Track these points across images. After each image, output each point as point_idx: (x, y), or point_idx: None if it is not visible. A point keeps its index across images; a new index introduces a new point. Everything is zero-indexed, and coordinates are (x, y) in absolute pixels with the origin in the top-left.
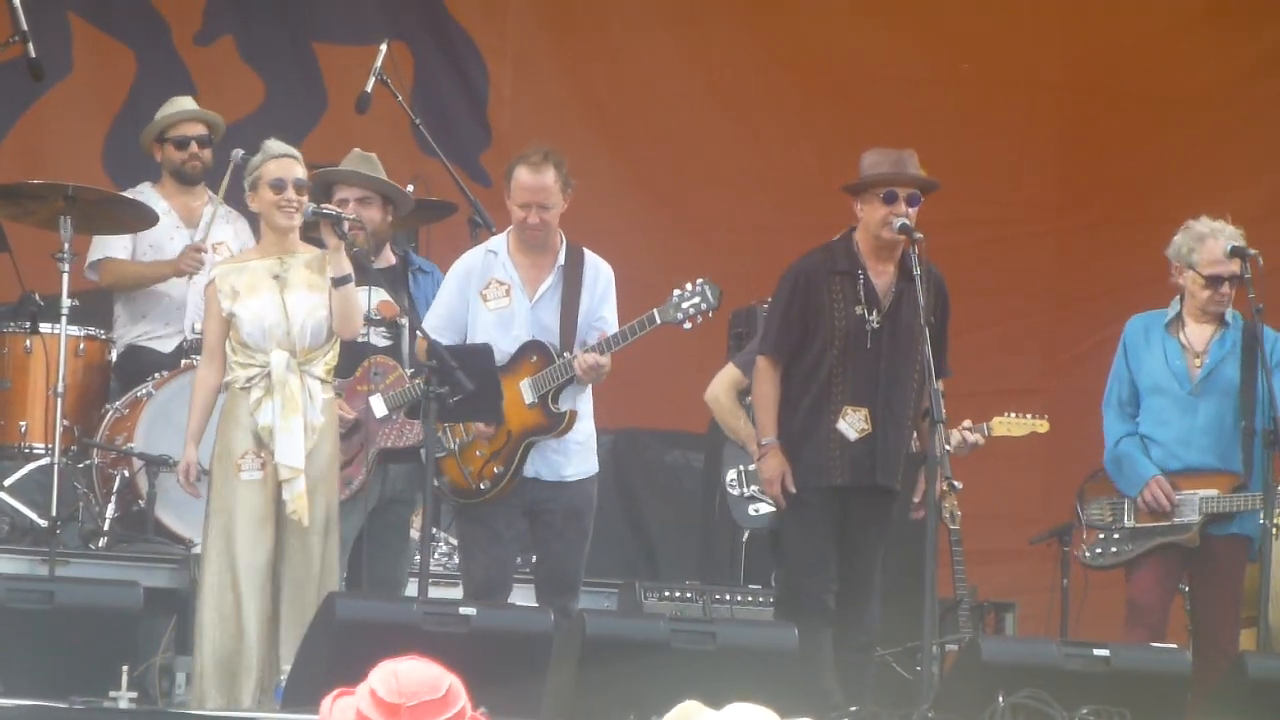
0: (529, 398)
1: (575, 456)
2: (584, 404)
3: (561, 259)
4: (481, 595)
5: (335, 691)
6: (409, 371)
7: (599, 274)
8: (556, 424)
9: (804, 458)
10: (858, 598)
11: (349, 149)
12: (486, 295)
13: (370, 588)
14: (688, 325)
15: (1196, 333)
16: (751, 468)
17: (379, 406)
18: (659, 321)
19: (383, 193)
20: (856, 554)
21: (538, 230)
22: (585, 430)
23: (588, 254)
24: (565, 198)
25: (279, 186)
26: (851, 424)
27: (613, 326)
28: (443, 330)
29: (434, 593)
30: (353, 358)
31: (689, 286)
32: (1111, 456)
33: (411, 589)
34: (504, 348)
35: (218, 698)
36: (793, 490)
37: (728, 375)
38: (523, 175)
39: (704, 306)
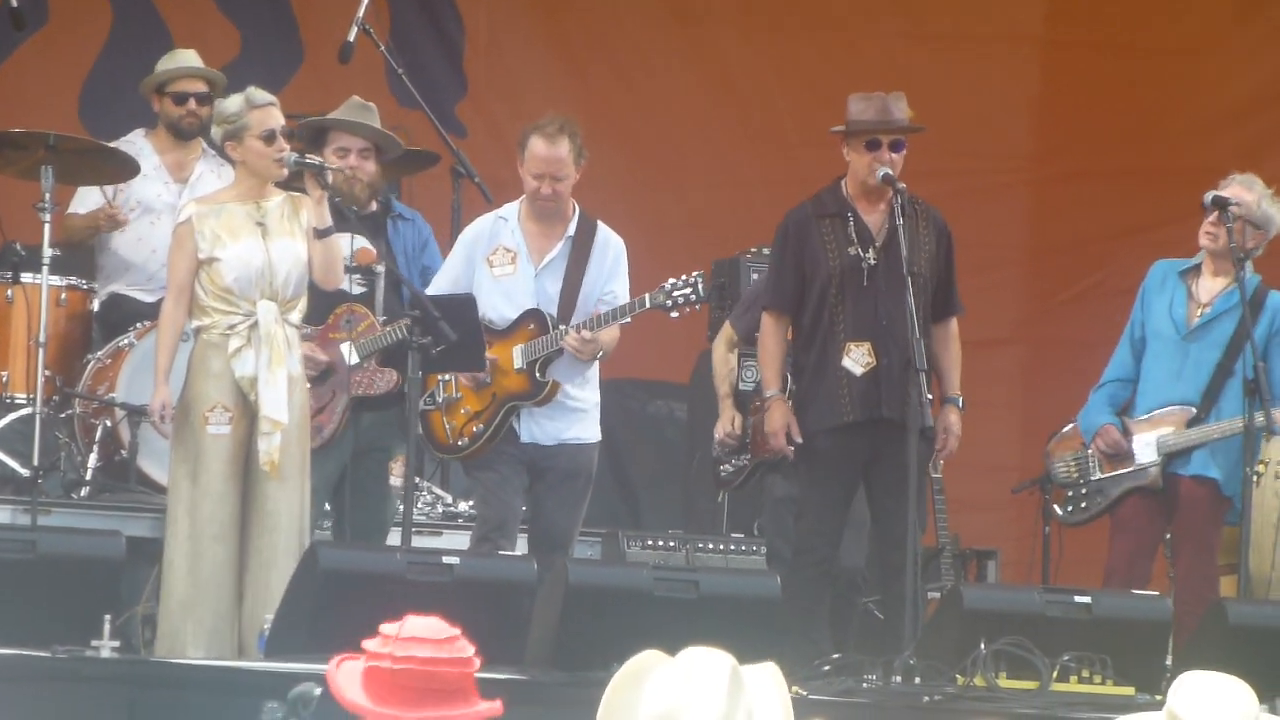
0: (518, 363)
1: (575, 422)
2: (590, 371)
3: (571, 229)
4: (495, 536)
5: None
6: (381, 319)
7: (609, 247)
8: (537, 392)
9: (818, 401)
10: (891, 537)
11: (326, 100)
12: (492, 261)
13: (354, 537)
14: (675, 314)
15: (1207, 284)
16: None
17: (351, 354)
18: (648, 306)
19: (379, 143)
20: (885, 493)
21: (550, 201)
22: (588, 398)
23: (600, 227)
24: (578, 168)
25: (270, 137)
26: (856, 360)
27: (623, 301)
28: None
29: (417, 542)
30: (326, 304)
31: (684, 278)
32: (1087, 403)
33: (394, 538)
34: (507, 314)
35: (184, 645)
36: (798, 440)
37: (725, 331)
38: (537, 146)
39: (693, 298)
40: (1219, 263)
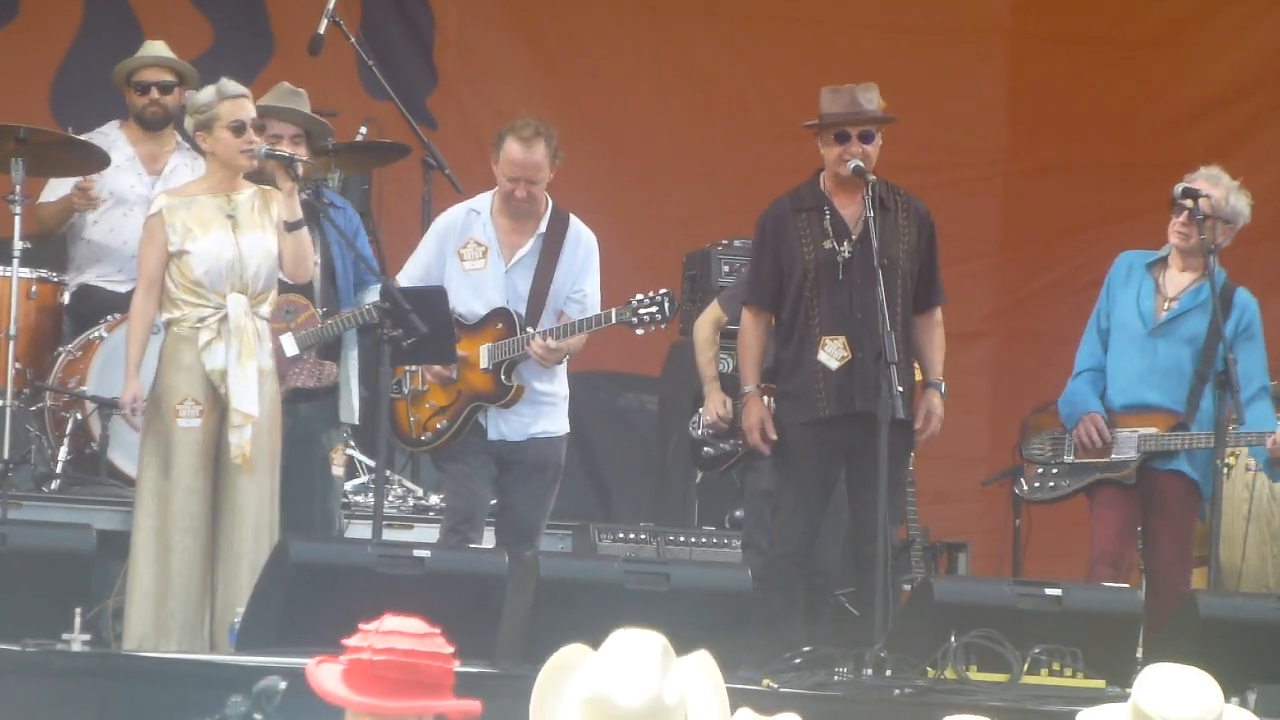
0: (484, 363)
1: (543, 415)
2: (558, 366)
3: (543, 227)
4: (463, 528)
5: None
6: (321, 310)
7: (579, 244)
8: (502, 395)
9: (793, 397)
10: (866, 529)
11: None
12: (463, 255)
13: (299, 528)
14: (640, 331)
15: (1174, 279)
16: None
17: (290, 345)
18: (614, 321)
19: (309, 128)
20: (861, 485)
21: (524, 203)
22: (557, 391)
23: (573, 222)
24: (553, 169)
25: (240, 129)
26: (831, 354)
27: (592, 299)
28: (417, 284)
29: (388, 535)
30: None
31: (650, 295)
32: (1066, 389)
33: (364, 531)
34: (476, 310)
35: (152, 638)
36: (773, 437)
37: (711, 311)
38: (513, 150)
39: (659, 317)
40: (1187, 258)
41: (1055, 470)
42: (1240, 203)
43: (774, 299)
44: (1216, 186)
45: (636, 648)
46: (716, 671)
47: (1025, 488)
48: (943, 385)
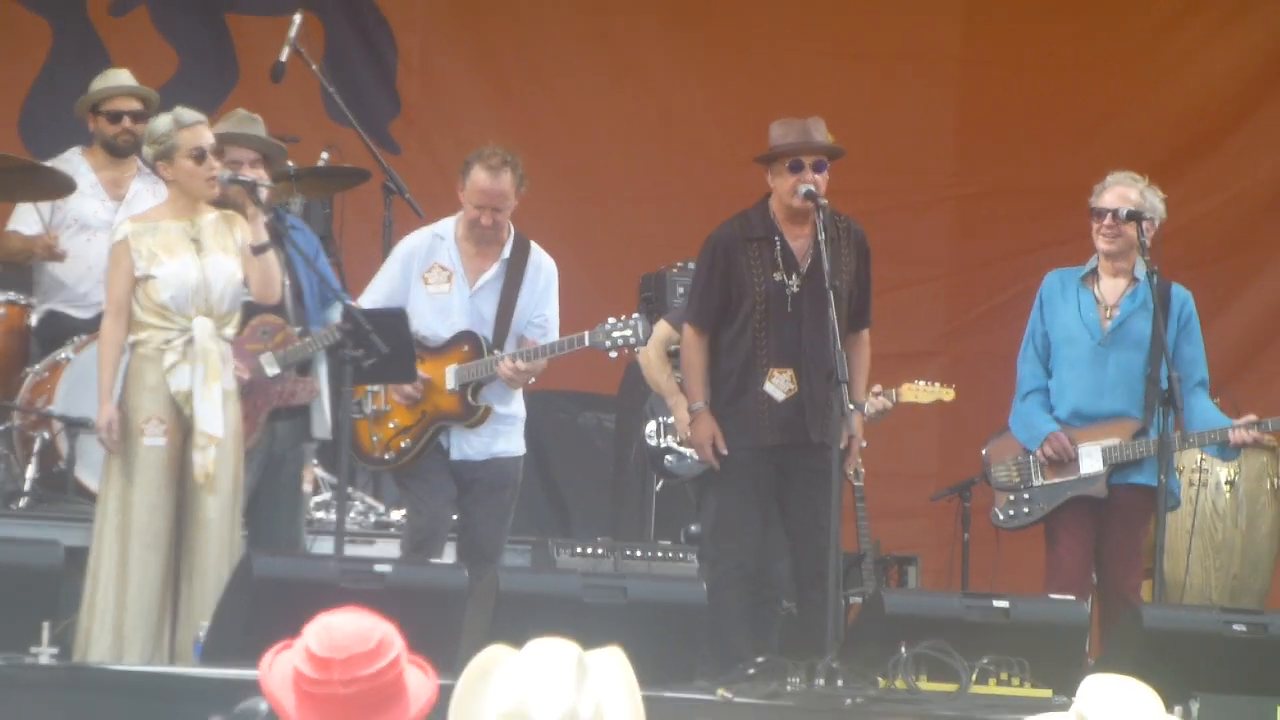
0: (450, 384)
1: (502, 435)
2: (517, 389)
3: (507, 252)
4: (424, 545)
5: (278, 645)
6: (296, 329)
7: (540, 271)
8: (470, 415)
9: (735, 420)
10: (813, 549)
11: (262, 119)
12: (428, 279)
13: (269, 545)
14: (613, 354)
15: (1110, 286)
16: (669, 420)
17: (271, 365)
18: (587, 344)
19: (267, 153)
20: (803, 508)
21: (489, 229)
22: (515, 413)
23: (534, 249)
24: (518, 196)
25: (200, 156)
26: (778, 385)
27: (553, 325)
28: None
29: (349, 550)
30: (240, 317)
31: (623, 319)
32: (1015, 411)
33: (327, 546)
34: (440, 332)
35: (108, 652)
36: (724, 452)
37: (658, 331)
38: (480, 178)
39: (632, 341)
40: (1117, 263)
41: (1027, 495)
42: (1156, 199)
43: (718, 322)
44: (1135, 191)
45: (551, 660)
46: (629, 669)
47: (1001, 517)
48: (864, 405)
